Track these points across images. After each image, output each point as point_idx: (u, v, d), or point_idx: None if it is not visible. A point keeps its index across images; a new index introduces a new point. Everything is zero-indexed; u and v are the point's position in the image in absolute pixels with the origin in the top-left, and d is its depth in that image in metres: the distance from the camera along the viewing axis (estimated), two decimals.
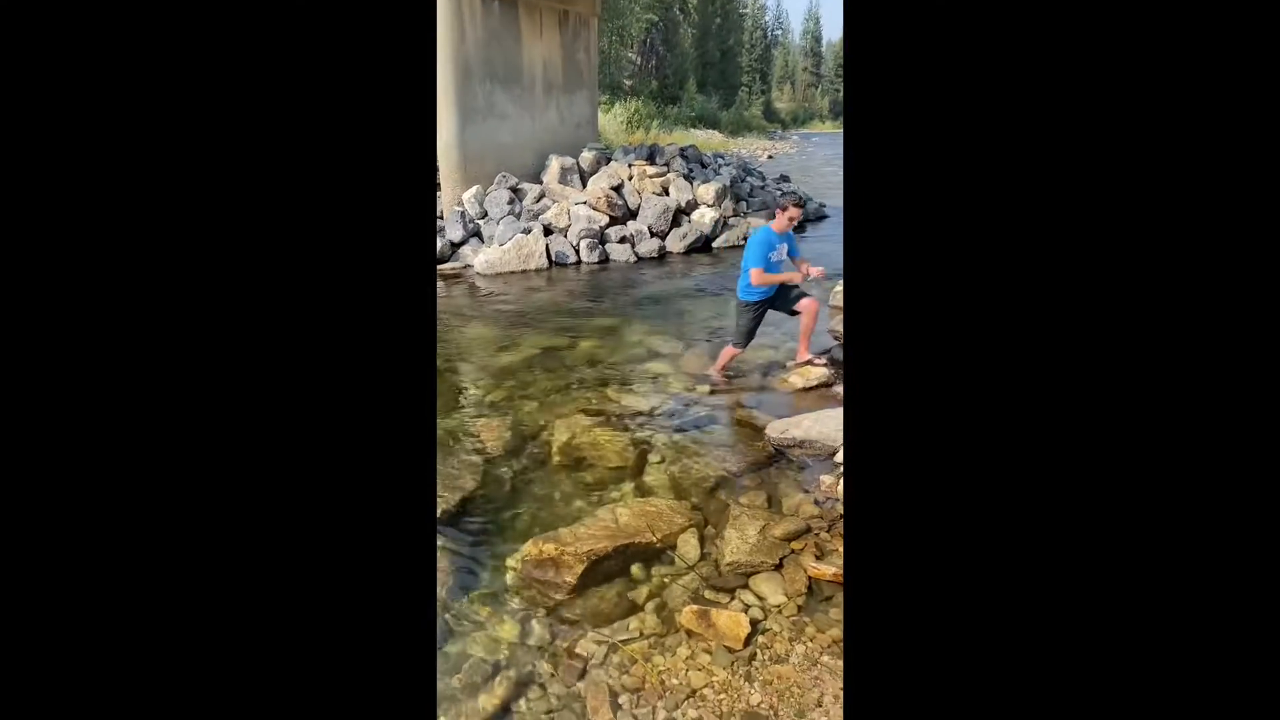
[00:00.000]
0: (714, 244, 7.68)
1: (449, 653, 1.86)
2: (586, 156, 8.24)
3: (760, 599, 2.07)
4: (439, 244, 6.90)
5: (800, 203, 3.79)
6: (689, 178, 8.26)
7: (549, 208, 7.46)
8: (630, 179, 7.94)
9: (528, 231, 6.94)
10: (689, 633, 1.92)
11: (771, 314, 3.85)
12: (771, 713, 1.66)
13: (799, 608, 2.02)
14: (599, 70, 10.86)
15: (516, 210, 7.41)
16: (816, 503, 2.56)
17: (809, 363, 3.80)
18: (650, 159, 8.50)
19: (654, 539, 2.32)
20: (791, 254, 3.76)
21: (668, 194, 7.88)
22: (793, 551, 2.27)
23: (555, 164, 8.06)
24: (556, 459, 2.95)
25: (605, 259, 7.13)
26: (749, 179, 9.82)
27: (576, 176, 8.08)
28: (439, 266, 6.81)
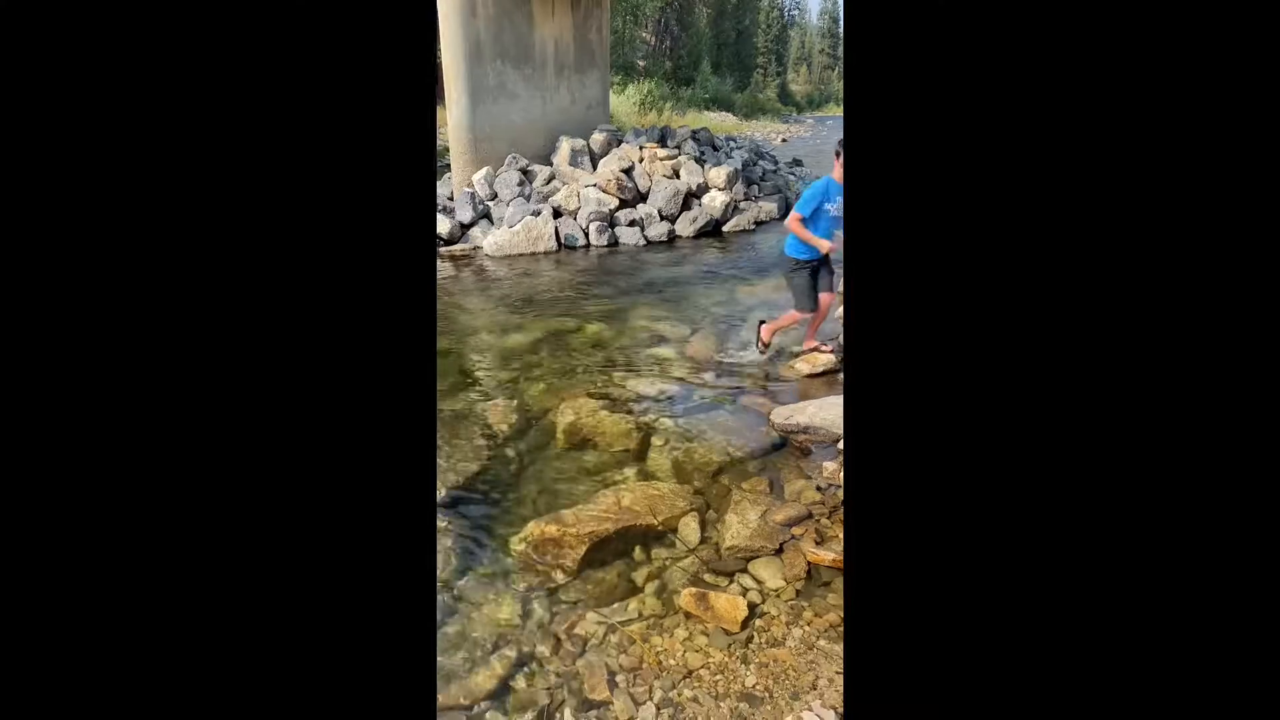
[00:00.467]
0: (724, 228, 7.63)
1: (450, 631, 1.89)
2: (597, 138, 8.19)
3: (759, 583, 2.08)
4: (449, 225, 6.91)
5: None
6: (700, 161, 8.19)
7: (559, 190, 7.43)
8: (641, 161, 7.88)
9: (537, 214, 6.93)
10: (687, 615, 1.94)
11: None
12: (766, 694, 1.68)
13: (797, 592, 2.04)
14: (612, 51, 10.76)
15: (526, 192, 7.39)
16: (818, 489, 2.57)
17: (816, 349, 3.79)
18: (661, 141, 8.43)
19: (656, 522, 2.34)
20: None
21: (678, 177, 7.83)
22: (793, 537, 2.29)
23: (566, 146, 8.02)
24: (561, 441, 2.97)
25: (614, 242, 7.11)
26: (761, 162, 9.73)
27: (587, 158, 8.03)
28: (448, 248, 6.82)
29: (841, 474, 2.63)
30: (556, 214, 7.10)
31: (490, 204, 7.35)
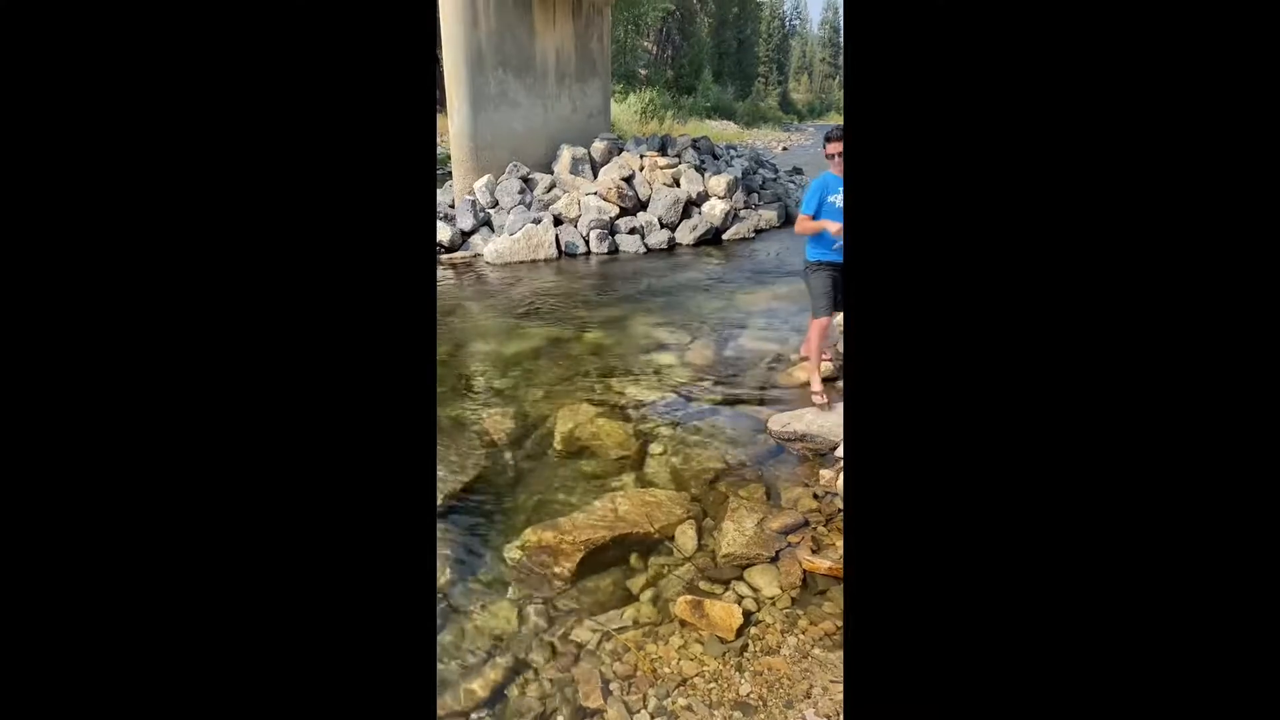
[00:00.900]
0: (724, 236, 7.65)
1: (445, 638, 1.89)
2: (598, 147, 8.22)
3: (754, 590, 2.08)
4: (450, 232, 6.93)
5: (839, 135, 3.16)
6: (700, 169, 8.22)
7: (559, 198, 7.46)
8: (641, 170, 7.92)
9: (538, 221, 6.95)
10: (682, 623, 1.94)
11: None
12: (760, 703, 1.68)
13: (793, 600, 2.04)
14: (613, 59, 10.82)
15: (527, 200, 7.42)
16: (815, 496, 2.57)
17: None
18: (662, 150, 8.47)
19: (652, 529, 2.34)
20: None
21: (678, 185, 7.85)
22: (789, 544, 2.29)
23: (567, 154, 8.06)
24: (559, 448, 2.98)
25: (615, 250, 7.13)
26: (761, 171, 9.76)
27: (588, 166, 8.07)
28: (449, 255, 6.85)
29: (838, 482, 2.63)
30: (557, 222, 7.12)
31: (491, 212, 7.38)
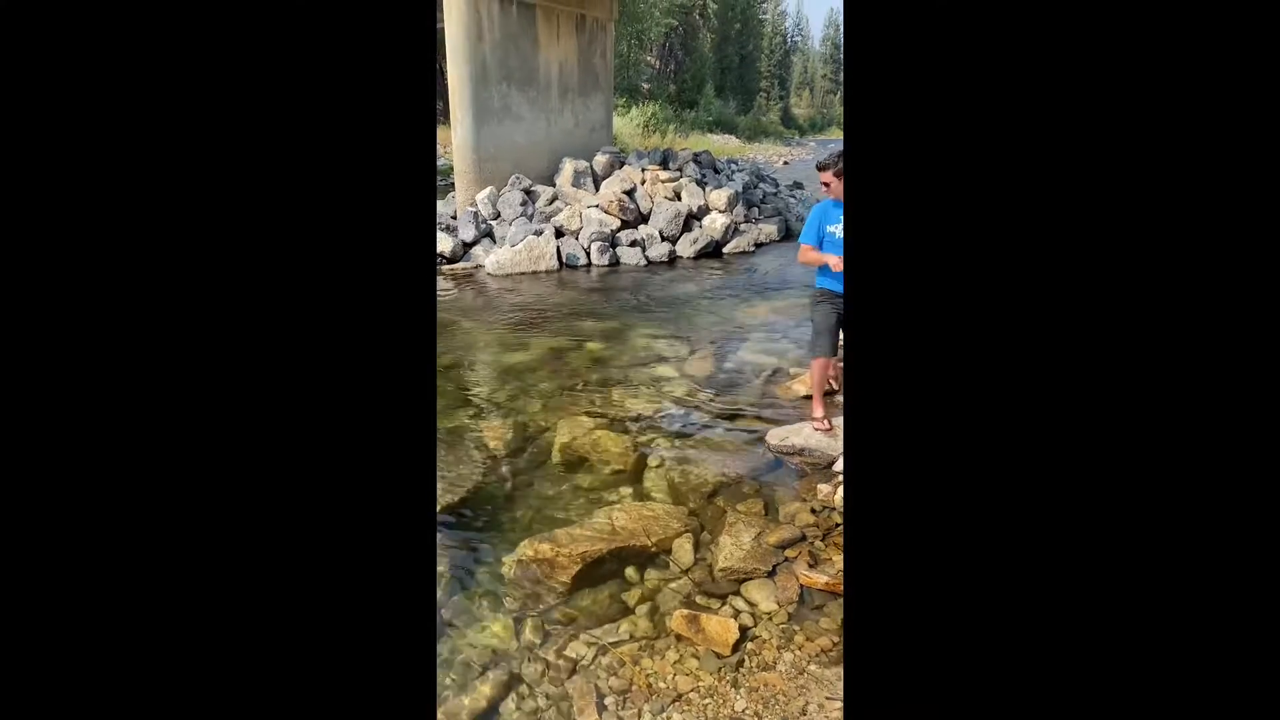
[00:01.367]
0: (724, 250, 7.68)
1: (441, 651, 1.88)
2: (600, 160, 8.28)
3: (751, 605, 2.07)
4: (451, 244, 6.96)
5: (831, 163, 3.03)
6: (701, 183, 8.27)
7: (561, 210, 7.50)
8: (643, 183, 7.96)
9: (539, 233, 6.98)
10: (678, 637, 1.93)
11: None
12: (756, 719, 1.67)
13: (789, 615, 2.03)
14: (616, 74, 10.91)
15: (529, 212, 7.46)
16: (813, 511, 2.56)
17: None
18: (663, 164, 8.52)
19: (649, 543, 2.34)
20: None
21: (679, 199, 7.90)
22: (786, 559, 2.28)
23: (569, 167, 8.11)
24: (557, 460, 2.97)
25: (615, 262, 7.15)
26: (762, 185, 9.81)
27: (589, 180, 8.12)
28: (451, 266, 6.87)
29: (836, 496, 2.63)
30: (558, 234, 7.15)
31: (493, 223, 7.42)
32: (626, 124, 16.79)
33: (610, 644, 1.92)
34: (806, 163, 21.23)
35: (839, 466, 2.85)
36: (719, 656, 1.86)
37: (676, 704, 1.72)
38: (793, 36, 54.15)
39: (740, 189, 8.59)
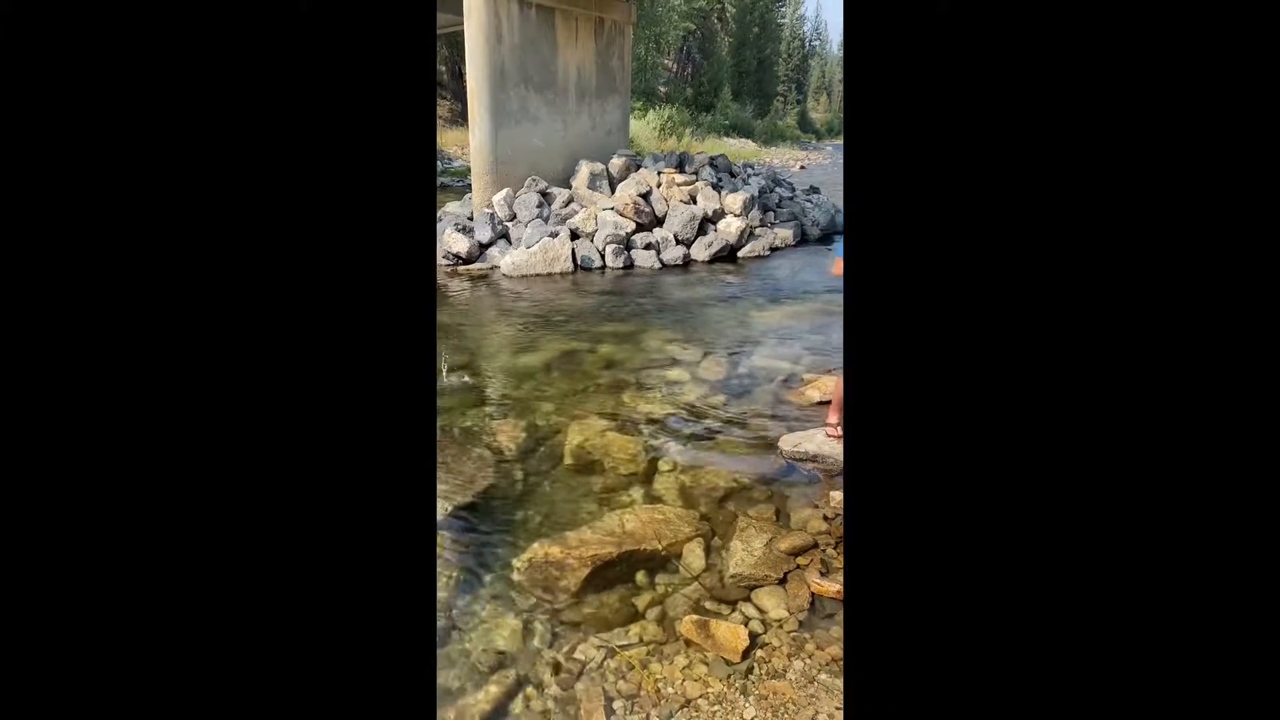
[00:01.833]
0: (739, 254, 7.66)
1: (447, 651, 1.89)
2: (616, 163, 8.29)
3: (762, 612, 2.06)
4: (467, 244, 7.00)
5: None
6: (717, 187, 8.26)
7: (577, 212, 7.52)
8: (659, 186, 7.97)
9: (555, 235, 7.01)
10: (688, 642, 1.92)
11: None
12: None
13: (800, 623, 2.01)
14: (634, 77, 10.93)
15: (545, 214, 7.49)
16: (825, 518, 2.55)
17: (829, 371, 3.77)
18: (679, 167, 8.52)
19: (660, 547, 2.33)
20: None
21: (695, 202, 7.89)
22: (798, 566, 2.26)
23: (585, 169, 8.13)
24: (569, 462, 2.97)
25: (630, 265, 7.16)
26: (778, 189, 9.77)
27: (605, 182, 8.13)
28: (466, 267, 6.91)
29: None
30: (574, 236, 7.17)
31: (509, 225, 7.45)
32: (643, 127, 16.83)
33: (619, 647, 1.91)
34: (823, 167, 21.15)
35: None
36: (728, 663, 1.85)
37: (685, 710, 1.71)
38: (811, 41, 53.99)
39: (756, 193, 8.56)
